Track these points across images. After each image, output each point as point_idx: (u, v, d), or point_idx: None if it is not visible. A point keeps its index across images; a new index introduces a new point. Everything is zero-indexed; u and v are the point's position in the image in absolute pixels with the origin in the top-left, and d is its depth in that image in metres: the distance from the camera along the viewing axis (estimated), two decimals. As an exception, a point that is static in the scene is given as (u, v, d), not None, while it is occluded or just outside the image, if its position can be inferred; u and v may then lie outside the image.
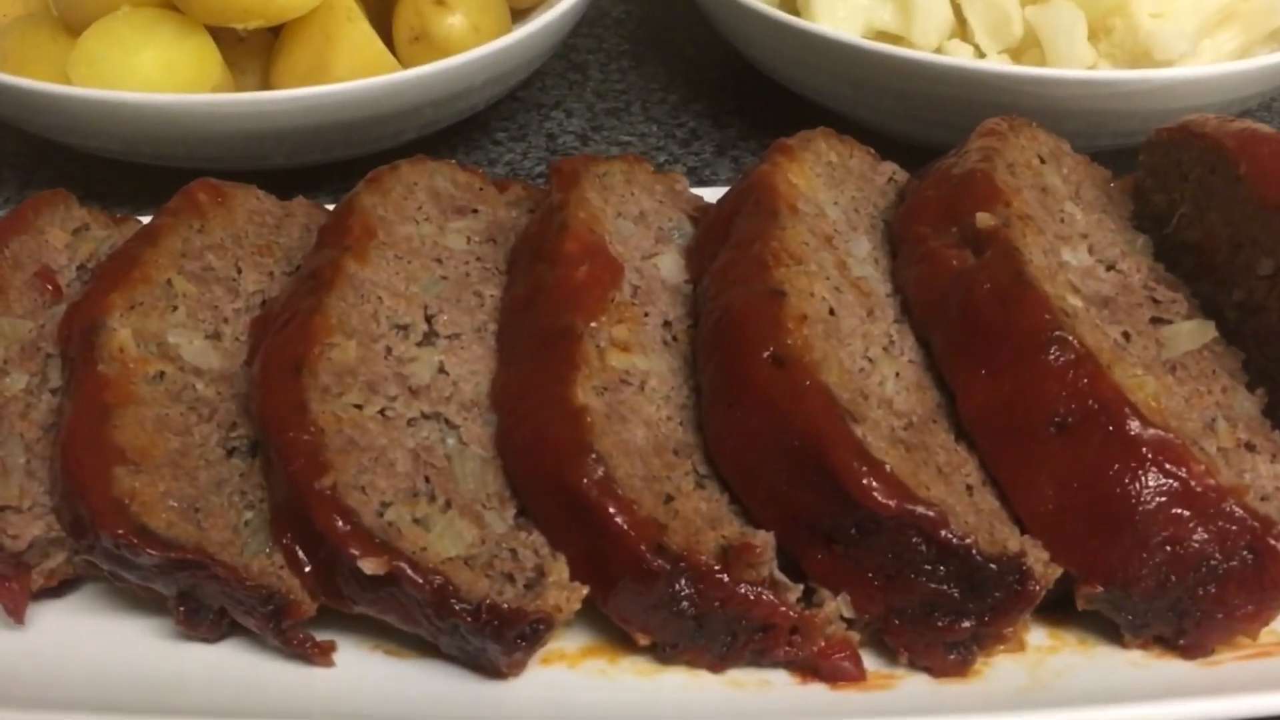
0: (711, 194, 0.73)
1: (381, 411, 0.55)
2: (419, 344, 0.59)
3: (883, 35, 0.84)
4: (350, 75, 0.82)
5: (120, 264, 0.58)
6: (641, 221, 0.68)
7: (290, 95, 0.76)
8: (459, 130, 0.92)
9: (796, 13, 0.87)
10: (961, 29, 0.83)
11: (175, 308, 0.58)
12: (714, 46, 1.01)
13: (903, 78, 0.80)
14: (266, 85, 0.86)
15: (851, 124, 0.85)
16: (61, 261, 0.61)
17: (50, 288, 0.59)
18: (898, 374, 0.58)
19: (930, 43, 0.82)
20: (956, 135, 0.81)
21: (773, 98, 0.95)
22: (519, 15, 0.97)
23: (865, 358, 0.58)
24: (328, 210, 0.71)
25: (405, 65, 0.86)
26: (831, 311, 0.59)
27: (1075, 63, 0.78)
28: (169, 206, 0.64)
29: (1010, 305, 0.56)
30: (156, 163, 0.83)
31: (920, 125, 0.85)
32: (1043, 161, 0.69)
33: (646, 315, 0.62)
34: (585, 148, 0.94)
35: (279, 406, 0.52)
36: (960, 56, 0.81)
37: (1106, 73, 0.78)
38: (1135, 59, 0.78)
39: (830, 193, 0.68)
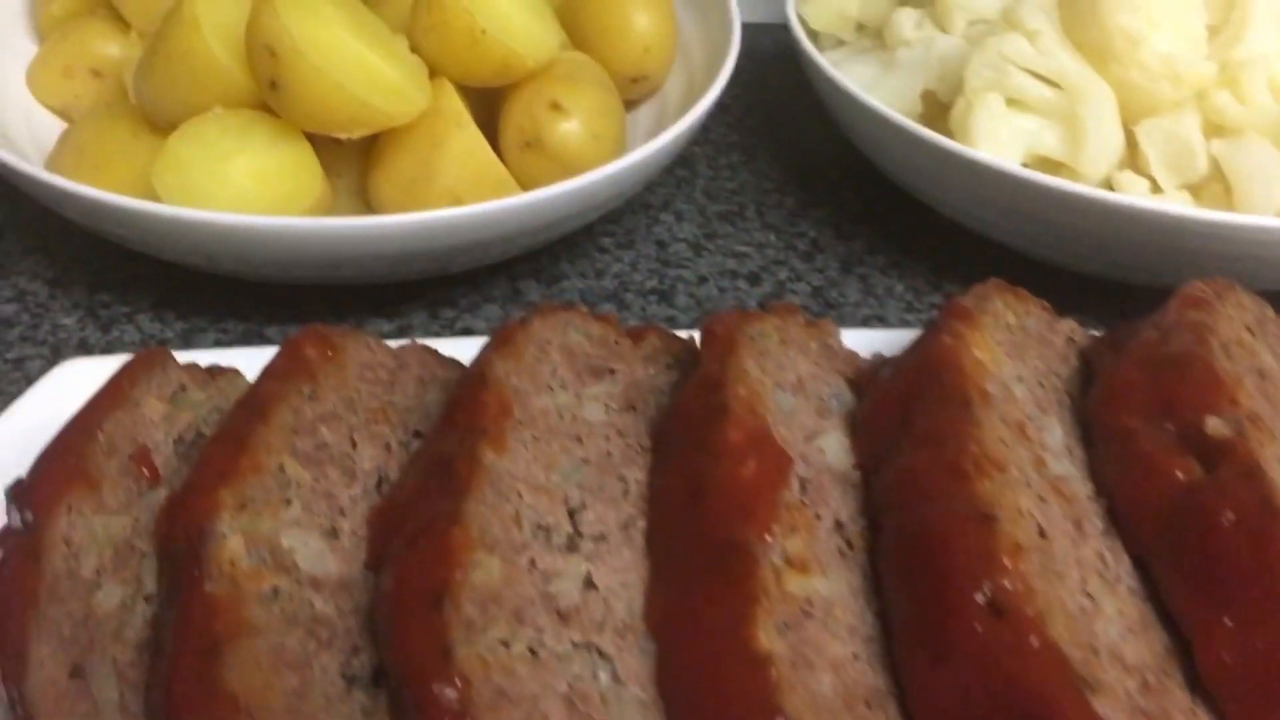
0: (860, 339, 0.66)
1: (530, 649, 0.47)
2: (563, 550, 0.52)
3: (1045, 160, 0.76)
4: (457, 185, 0.75)
5: (226, 448, 0.51)
6: (800, 391, 0.61)
7: (406, 220, 0.69)
8: (563, 238, 0.85)
9: (942, 127, 0.80)
10: (1133, 156, 0.75)
11: (289, 501, 0.51)
12: (830, 140, 0.93)
13: (1068, 212, 0.72)
14: (362, 190, 0.79)
15: (993, 243, 0.78)
16: (158, 437, 0.53)
17: (147, 472, 0.52)
18: (1120, 612, 0.50)
19: (1098, 172, 0.74)
20: (1122, 272, 0.73)
21: (899, 204, 0.87)
22: (628, 106, 0.90)
23: (1085, 593, 0.50)
24: (441, 357, 0.63)
25: (514, 172, 0.79)
26: (1042, 532, 0.51)
27: (1271, 208, 0.70)
28: (275, 367, 0.56)
29: (1264, 545, 0.48)
30: (241, 276, 0.76)
31: (1082, 260, 0.77)
32: (1252, 334, 0.62)
33: (819, 518, 0.54)
34: (699, 258, 0.86)
35: (419, 651, 0.44)
36: (1134, 192, 0.73)
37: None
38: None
39: (1013, 365, 0.61)
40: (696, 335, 0.64)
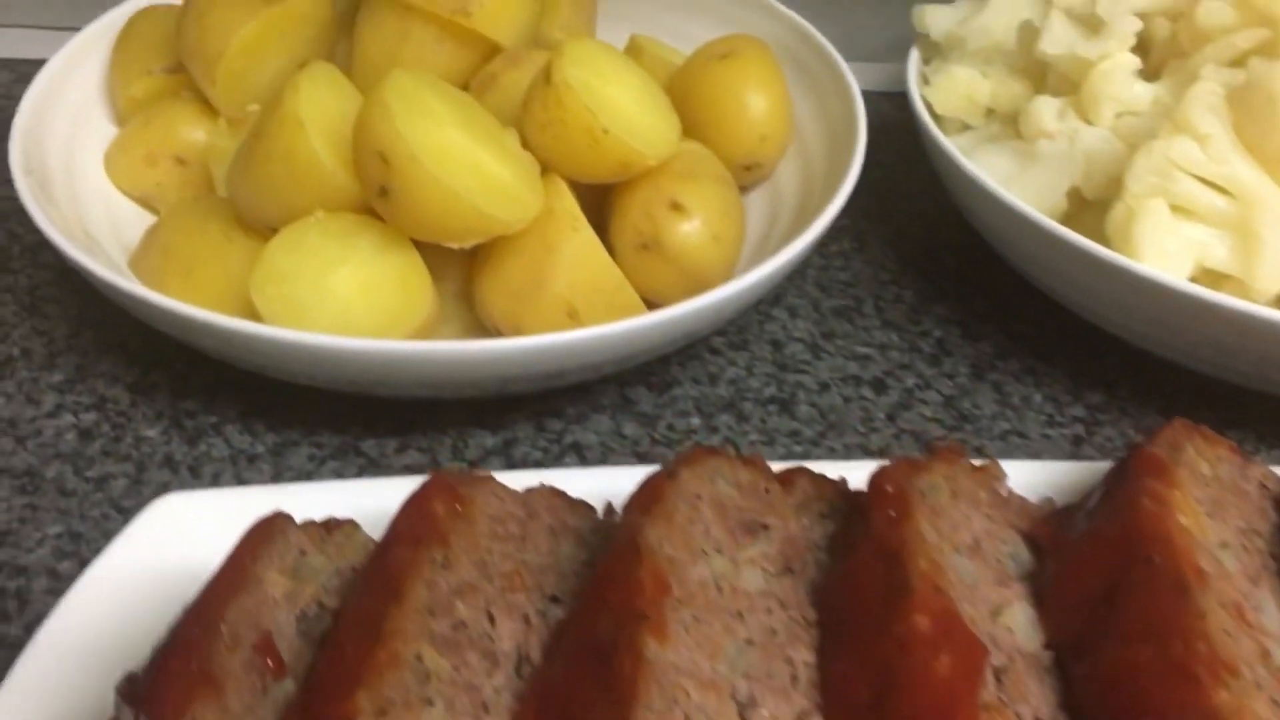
0: (1020, 473, 0.60)
1: None
2: (737, 760, 0.46)
3: (1211, 273, 0.70)
4: (571, 292, 0.70)
5: (360, 638, 0.45)
6: (977, 554, 0.55)
7: (524, 345, 0.63)
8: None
9: (1085, 226, 0.74)
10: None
11: (430, 701, 0.45)
12: (949, 224, 0.88)
13: (1239, 333, 0.66)
14: (467, 294, 0.74)
15: (1133, 347, 0.72)
16: (281, 619, 0.48)
17: (272, 663, 0.46)
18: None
19: (1273, 289, 0.68)
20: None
21: (1029, 299, 0.81)
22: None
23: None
24: (570, 501, 0.58)
25: (628, 273, 0.73)
26: (1284, 749, 0.45)
27: None
28: (403, 530, 0.51)
29: None
30: (338, 390, 0.71)
31: (1244, 377, 0.71)
32: None
33: (1019, 718, 0.48)
34: (818, 361, 0.81)
35: None
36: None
37: None
38: None
39: (1216, 527, 0.55)
40: (836, 469, 0.59)
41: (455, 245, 0.67)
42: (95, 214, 0.79)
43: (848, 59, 0.88)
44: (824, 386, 0.79)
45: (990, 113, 0.83)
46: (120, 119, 0.84)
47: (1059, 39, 0.77)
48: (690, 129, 0.82)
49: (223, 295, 0.70)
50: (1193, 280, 0.68)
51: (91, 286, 0.70)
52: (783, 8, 0.92)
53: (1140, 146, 0.68)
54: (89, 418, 0.74)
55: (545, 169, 0.72)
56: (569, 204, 0.70)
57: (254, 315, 0.66)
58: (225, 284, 0.70)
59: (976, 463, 0.58)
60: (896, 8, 1.02)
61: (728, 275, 0.75)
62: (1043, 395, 0.79)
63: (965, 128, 0.85)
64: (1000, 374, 0.80)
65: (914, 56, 0.87)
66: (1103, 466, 0.58)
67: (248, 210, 0.70)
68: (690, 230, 0.72)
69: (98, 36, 0.86)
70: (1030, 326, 0.83)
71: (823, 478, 0.59)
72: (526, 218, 0.68)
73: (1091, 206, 0.76)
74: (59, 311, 0.81)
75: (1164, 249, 0.67)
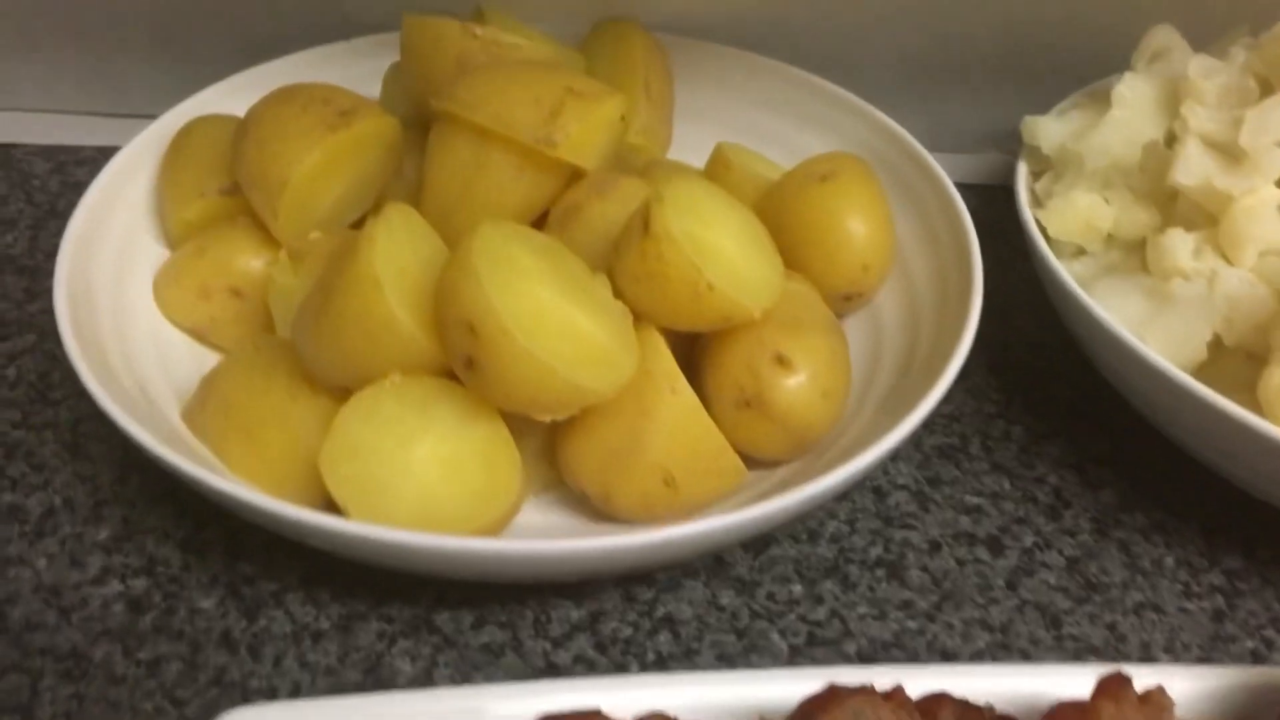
0: (1181, 683, 0.53)
1: None
2: None
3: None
4: (668, 460, 0.64)
5: None
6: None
7: (631, 543, 0.57)
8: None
9: (1224, 374, 0.67)
10: None
11: None
12: (1054, 347, 0.81)
13: None
14: (548, 449, 0.67)
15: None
16: None
17: None
18: None
19: None
20: None
21: (1151, 439, 0.75)
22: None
23: None
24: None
25: (726, 430, 0.67)
26: None
27: None
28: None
29: None
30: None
31: None
32: None
33: None
34: (925, 513, 0.74)
35: None
36: None
37: None
38: None
39: None
40: (976, 681, 0.52)
41: (545, 418, 0.61)
42: (142, 350, 0.73)
43: (930, 149, 0.82)
44: (934, 546, 0.72)
45: (1109, 238, 0.77)
46: (171, 241, 0.78)
47: (1194, 169, 0.71)
48: (785, 255, 0.75)
49: (288, 459, 0.64)
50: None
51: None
52: (872, 109, 0.86)
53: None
54: (139, 584, 0.68)
55: (638, 318, 0.66)
56: (666, 363, 0.64)
57: (319, 475, 0.60)
58: (290, 447, 0.64)
59: (1139, 688, 0.51)
60: (983, 94, 0.96)
61: (833, 428, 0.69)
62: (1175, 558, 0.72)
63: (1080, 251, 0.78)
64: (1126, 530, 0.73)
65: (1022, 171, 0.81)
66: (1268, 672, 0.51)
67: (315, 367, 0.64)
68: (797, 387, 0.66)
69: (148, 147, 0.80)
70: (1155, 473, 0.76)
71: (967, 705, 0.52)
72: (622, 383, 0.61)
73: (1231, 354, 0.69)
74: (103, 453, 0.75)
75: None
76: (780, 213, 0.76)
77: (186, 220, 0.76)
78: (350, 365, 0.62)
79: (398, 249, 0.62)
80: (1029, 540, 0.72)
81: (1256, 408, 0.63)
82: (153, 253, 0.78)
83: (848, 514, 0.74)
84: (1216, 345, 0.69)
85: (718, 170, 0.80)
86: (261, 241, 0.73)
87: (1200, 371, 0.68)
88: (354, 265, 0.61)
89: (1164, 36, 0.82)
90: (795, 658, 0.66)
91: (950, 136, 1.01)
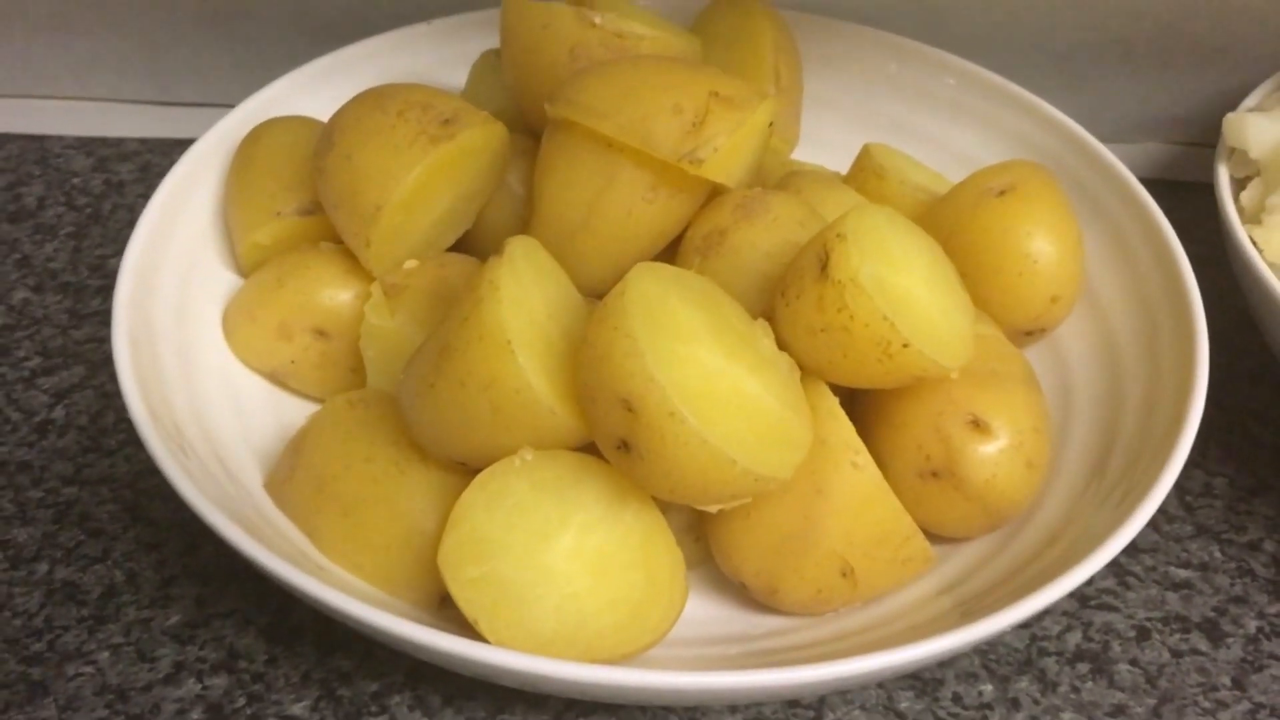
0: None
1: None
2: None
3: None
4: (846, 545, 0.54)
5: None
6: None
7: (813, 675, 0.46)
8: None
9: None
10: None
11: None
12: (1258, 377, 0.69)
13: None
14: (698, 530, 0.57)
15: None
16: None
17: None
18: None
19: None
20: None
21: None
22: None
23: None
24: None
25: (907, 504, 0.55)
26: None
27: None
28: None
29: None
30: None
31: None
32: None
33: None
34: (1127, 591, 0.64)
35: None
36: None
37: None
38: None
39: None
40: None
41: (714, 509, 0.50)
42: (213, 397, 0.63)
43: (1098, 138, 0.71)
44: (1142, 633, 0.61)
45: (1341, 262, 0.65)
46: (241, 268, 0.67)
47: None
48: (960, 286, 0.64)
49: (394, 545, 0.54)
50: None
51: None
52: (1041, 102, 0.74)
53: None
54: (218, 684, 0.58)
55: (804, 372, 0.55)
56: (845, 431, 0.53)
57: (433, 566, 0.50)
58: (397, 530, 0.54)
59: None
60: (1144, 76, 0.84)
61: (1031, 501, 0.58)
62: None
63: (1296, 271, 0.66)
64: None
65: (1224, 178, 0.69)
66: None
67: (428, 438, 0.53)
68: (998, 455, 0.55)
69: (212, 153, 0.69)
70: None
71: None
72: (798, 461, 0.51)
73: None
74: (168, 513, 0.65)
75: None
76: (950, 235, 0.64)
77: (259, 244, 0.65)
78: (472, 440, 0.51)
79: (525, 296, 0.51)
80: (1252, 624, 0.62)
81: None
82: (222, 280, 0.68)
83: (1035, 591, 0.62)
84: None
85: (866, 180, 0.69)
86: (348, 271, 0.63)
87: None
88: (478, 320, 0.50)
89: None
90: (995, 778, 0.55)
91: (1106, 124, 0.89)
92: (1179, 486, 0.68)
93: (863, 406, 0.59)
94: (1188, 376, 0.57)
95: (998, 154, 0.74)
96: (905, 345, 0.51)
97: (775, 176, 0.69)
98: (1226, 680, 0.59)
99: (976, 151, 0.75)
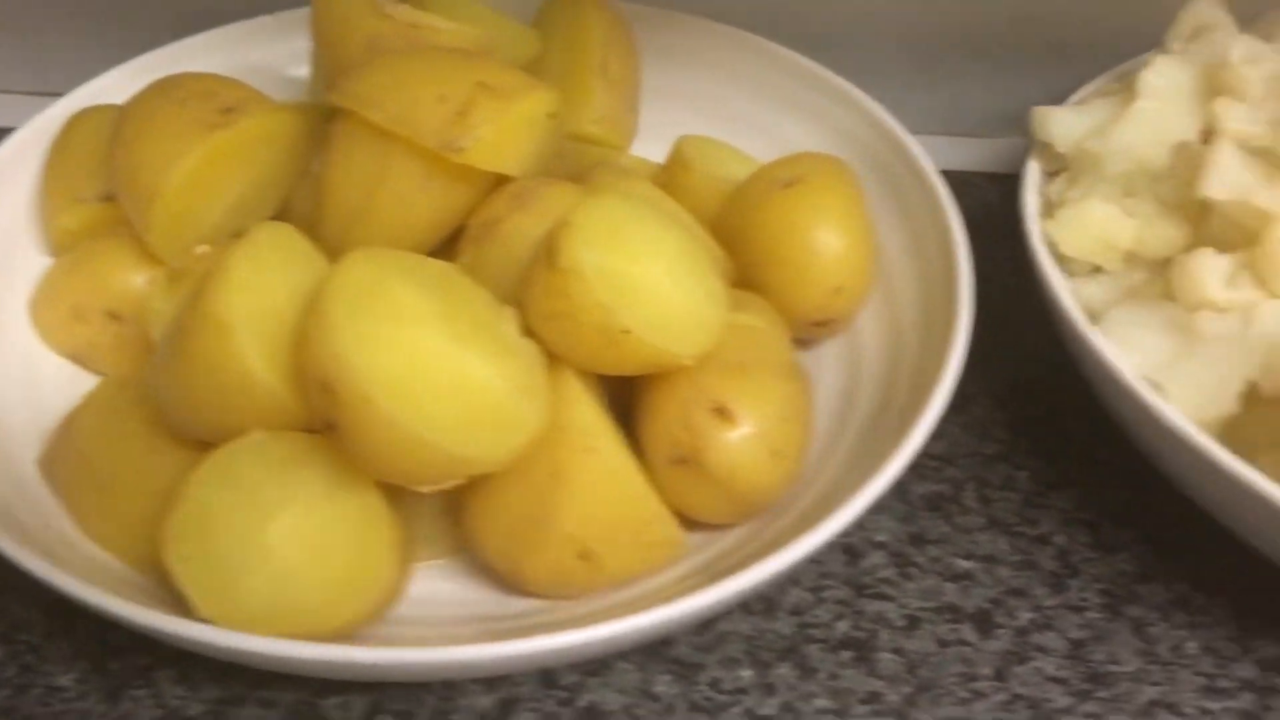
0: None
1: None
2: None
3: None
4: (582, 529, 0.55)
5: None
6: None
7: (512, 651, 0.47)
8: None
9: (1262, 428, 0.55)
10: None
11: None
12: (1071, 377, 0.69)
13: None
14: (453, 508, 0.57)
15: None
16: None
17: None
18: None
19: None
20: None
21: (1178, 493, 0.62)
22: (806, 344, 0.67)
23: None
24: None
25: (662, 489, 0.56)
26: None
27: None
28: None
29: None
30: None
31: None
32: None
33: None
34: (905, 581, 0.64)
35: None
36: None
37: None
38: None
39: None
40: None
41: (426, 489, 0.51)
42: (12, 375, 0.64)
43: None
44: (912, 622, 0.61)
45: (1131, 256, 0.65)
46: (53, 252, 0.69)
47: (1229, 179, 0.59)
48: (747, 275, 0.65)
49: (146, 520, 0.54)
50: None
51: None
52: (860, 94, 0.74)
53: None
54: (-10, 658, 0.59)
55: (555, 360, 0.55)
56: (584, 416, 0.54)
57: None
58: (148, 507, 0.54)
59: None
60: (1006, 71, 0.84)
61: (788, 488, 0.58)
62: (1199, 643, 0.61)
63: (1098, 268, 0.66)
64: (1143, 607, 0.62)
65: (1032, 172, 0.69)
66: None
67: (172, 418, 0.54)
68: (740, 442, 0.56)
69: (32, 141, 0.71)
70: (1183, 534, 0.64)
71: None
72: (522, 445, 0.51)
73: (1272, 407, 0.57)
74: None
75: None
76: (740, 225, 0.65)
77: (66, 229, 0.67)
78: (207, 420, 0.53)
79: (264, 281, 0.52)
80: (1025, 617, 0.62)
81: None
82: (38, 265, 0.69)
83: (813, 580, 0.64)
84: (1253, 396, 0.57)
85: (675, 172, 0.70)
86: (143, 256, 0.64)
87: (1232, 428, 0.57)
88: (205, 302, 0.51)
89: (1205, 10, 0.69)
90: (738, 764, 0.56)
91: (974, 118, 0.89)
92: (979, 480, 0.68)
93: (630, 394, 0.59)
94: (941, 361, 0.57)
95: (824, 146, 0.74)
96: (625, 332, 0.52)
97: (583, 167, 0.70)
98: (988, 671, 0.59)
99: (806, 143, 0.75)
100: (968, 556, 0.65)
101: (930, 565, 0.64)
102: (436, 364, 0.50)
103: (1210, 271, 0.59)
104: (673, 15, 0.81)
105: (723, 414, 0.55)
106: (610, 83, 0.76)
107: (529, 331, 0.55)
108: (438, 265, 0.54)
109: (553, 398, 0.54)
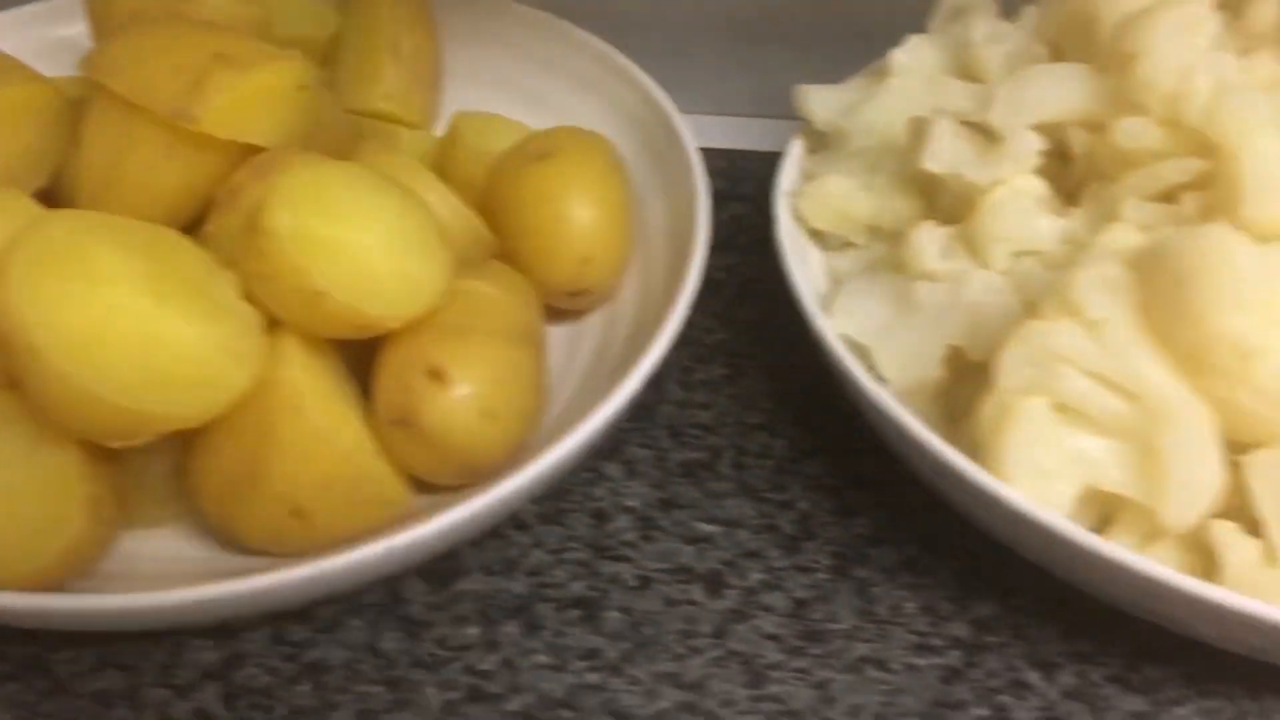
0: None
1: None
2: None
3: (1114, 497, 0.53)
4: (292, 486, 0.57)
5: None
6: None
7: (183, 598, 0.49)
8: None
9: (968, 395, 0.57)
10: (1242, 499, 0.52)
11: None
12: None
13: (1130, 587, 0.50)
14: (168, 494, 0.59)
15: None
16: None
17: None
18: None
19: (1185, 520, 0.51)
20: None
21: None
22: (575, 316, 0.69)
23: None
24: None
25: (390, 451, 0.58)
26: None
27: None
28: None
29: None
30: None
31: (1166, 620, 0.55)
32: None
33: None
34: (646, 544, 0.65)
35: None
36: (1234, 554, 0.50)
37: None
38: None
39: None
40: None
41: (117, 445, 0.52)
42: None
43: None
44: (644, 582, 0.63)
45: (875, 229, 0.66)
46: None
47: (944, 153, 0.60)
48: (505, 246, 0.67)
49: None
50: (1087, 502, 0.52)
51: None
52: (638, 72, 0.76)
53: (1014, 328, 0.51)
54: None
55: (276, 323, 0.57)
56: (295, 378, 0.56)
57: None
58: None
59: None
60: (810, 54, 0.85)
61: (511, 453, 0.60)
62: (918, 603, 0.62)
63: (848, 243, 0.68)
64: (871, 569, 0.64)
65: (795, 149, 0.71)
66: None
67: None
68: (453, 405, 0.57)
69: None
70: (918, 501, 0.66)
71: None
72: (221, 403, 0.53)
73: (978, 372, 0.59)
74: None
75: (1039, 468, 0.51)
76: (497, 199, 0.66)
77: None
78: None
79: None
80: (755, 578, 0.63)
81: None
82: None
83: (557, 541, 0.65)
84: (963, 360, 0.59)
85: (446, 146, 0.71)
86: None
87: (946, 391, 0.58)
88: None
89: (967, -9, 0.71)
90: (447, 716, 0.57)
91: (783, 101, 0.91)
92: (738, 447, 0.70)
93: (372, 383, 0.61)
94: (669, 307, 0.59)
95: (608, 123, 0.76)
96: (320, 294, 0.53)
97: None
98: (709, 629, 0.61)
99: (593, 120, 0.77)
100: (711, 521, 0.66)
101: (673, 529, 0.66)
102: (128, 322, 0.51)
103: (928, 242, 0.61)
104: (480, -3, 0.83)
105: (437, 375, 0.57)
106: (401, 61, 0.77)
107: (250, 295, 0.57)
108: (150, 229, 0.55)
109: (267, 359, 0.55)
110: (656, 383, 0.73)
